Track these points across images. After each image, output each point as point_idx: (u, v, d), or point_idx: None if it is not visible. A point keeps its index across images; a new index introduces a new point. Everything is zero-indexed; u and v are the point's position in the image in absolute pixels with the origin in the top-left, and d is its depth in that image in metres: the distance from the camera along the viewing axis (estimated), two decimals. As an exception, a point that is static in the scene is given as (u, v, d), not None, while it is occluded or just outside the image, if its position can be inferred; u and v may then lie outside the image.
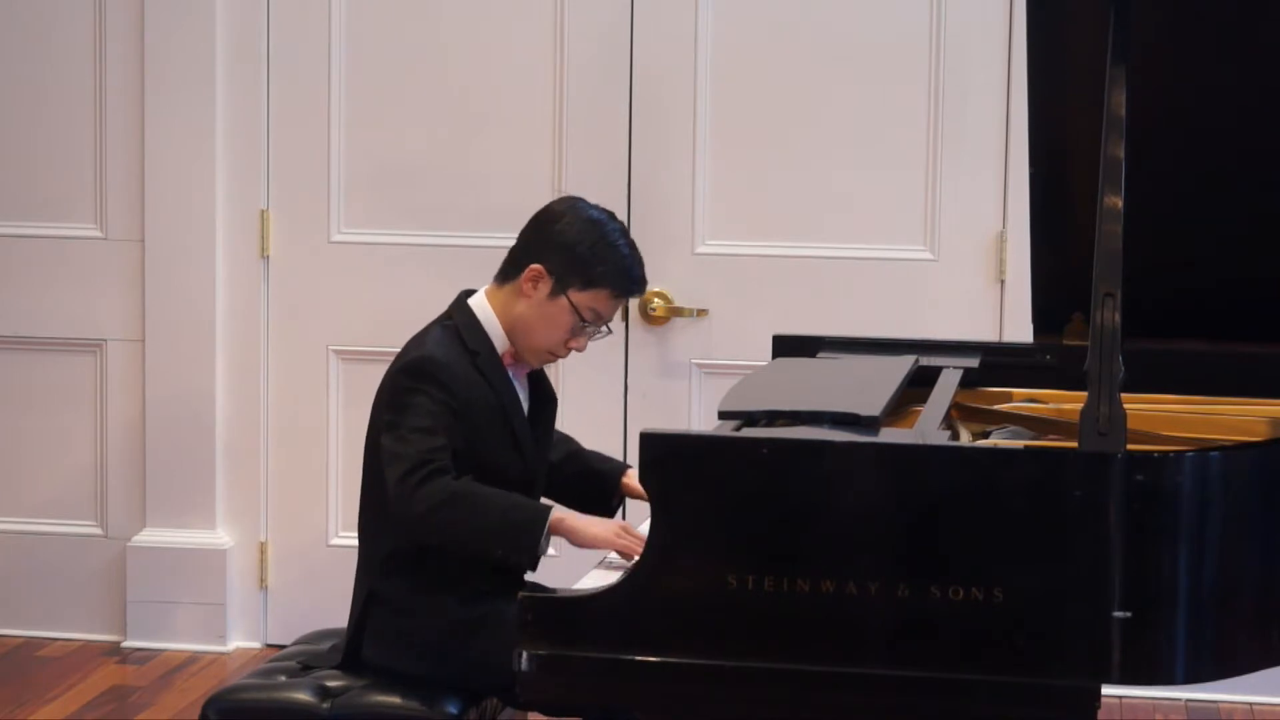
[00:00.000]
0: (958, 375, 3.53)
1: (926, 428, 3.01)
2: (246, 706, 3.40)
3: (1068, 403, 3.44)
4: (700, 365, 4.92)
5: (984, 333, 4.72)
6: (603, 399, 4.94)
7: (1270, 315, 3.47)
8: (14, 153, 5.16)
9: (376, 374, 3.51)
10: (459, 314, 3.47)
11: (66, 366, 5.19)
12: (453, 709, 3.33)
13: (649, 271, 4.82)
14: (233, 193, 5.07)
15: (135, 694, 4.78)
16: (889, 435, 2.94)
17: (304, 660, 3.52)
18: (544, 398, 3.57)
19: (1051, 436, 3.25)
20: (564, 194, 3.54)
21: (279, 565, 5.16)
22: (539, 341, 3.44)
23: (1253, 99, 3.31)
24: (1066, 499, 2.70)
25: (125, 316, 5.14)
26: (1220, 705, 4.76)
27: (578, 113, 4.91)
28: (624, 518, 3.71)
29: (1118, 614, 2.68)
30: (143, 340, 5.12)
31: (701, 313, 4.90)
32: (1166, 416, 3.37)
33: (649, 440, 2.80)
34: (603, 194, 4.76)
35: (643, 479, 2.81)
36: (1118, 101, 2.89)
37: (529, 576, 3.51)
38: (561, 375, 4.93)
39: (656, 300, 4.89)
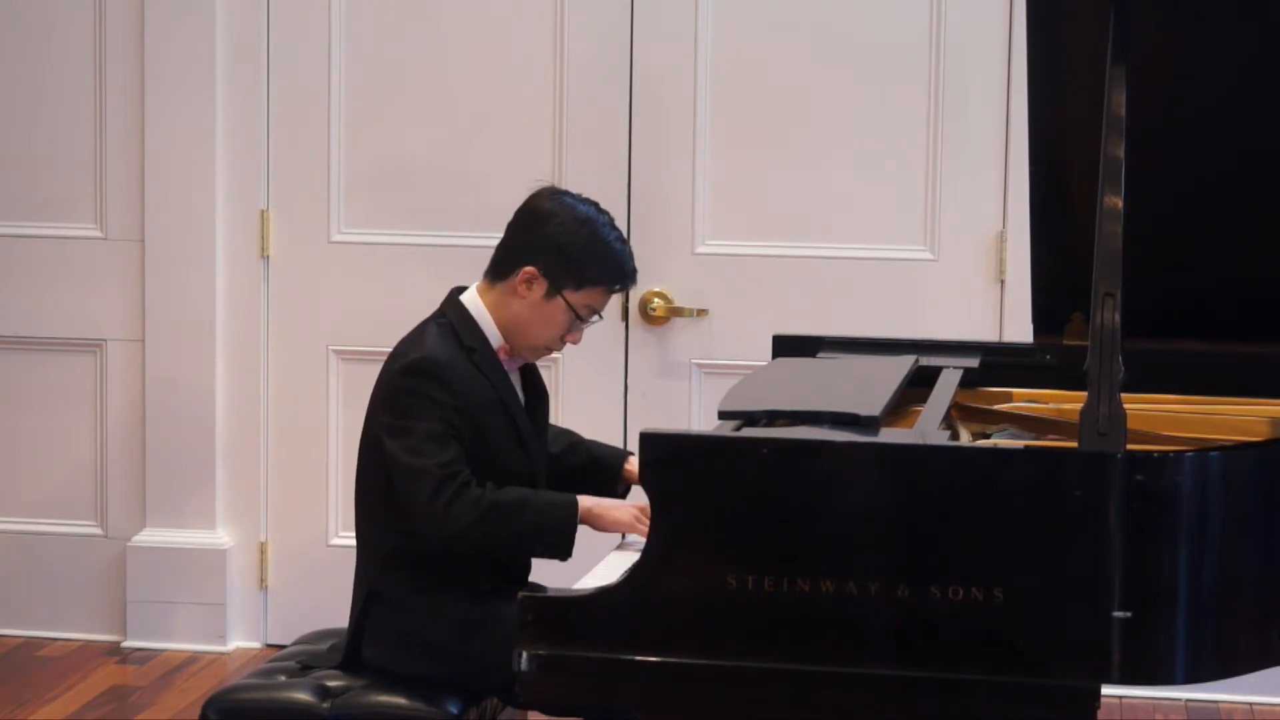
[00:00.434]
0: (958, 375, 3.53)
1: (926, 428, 3.01)
2: (246, 706, 3.40)
3: (1068, 403, 3.44)
4: (700, 365, 4.91)
5: (984, 333, 4.72)
6: (603, 399, 4.94)
7: (1270, 315, 3.47)
8: (14, 153, 5.16)
9: (376, 374, 3.51)
10: (452, 311, 3.47)
11: (66, 366, 5.19)
12: (453, 709, 3.33)
13: (650, 272, 4.87)
14: (233, 193, 5.07)
15: (135, 694, 4.78)
16: (889, 435, 2.94)
17: (304, 660, 3.52)
18: (538, 392, 3.58)
19: (1051, 436, 3.25)
20: (543, 184, 3.53)
21: (279, 565, 5.16)
22: (536, 340, 3.46)
23: (1253, 99, 3.31)
24: (1066, 499, 2.70)
25: (125, 316, 5.14)
26: (1220, 705, 4.76)
27: (578, 113, 4.91)
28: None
29: (1118, 614, 2.68)
30: (143, 340, 5.12)
31: (701, 313, 4.90)
32: (1166, 416, 3.37)
33: (649, 440, 2.80)
34: (603, 194, 4.74)
35: (643, 479, 2.81)
36: (1118, 101, 2.89)
37: (535, 575, 3.53)
38: (561, 375, 4.94)
39: (656, 300, 4.89)
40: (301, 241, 5.06)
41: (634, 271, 3.50)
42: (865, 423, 2.89)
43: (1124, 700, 4.73)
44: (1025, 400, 3.57)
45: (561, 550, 3.32)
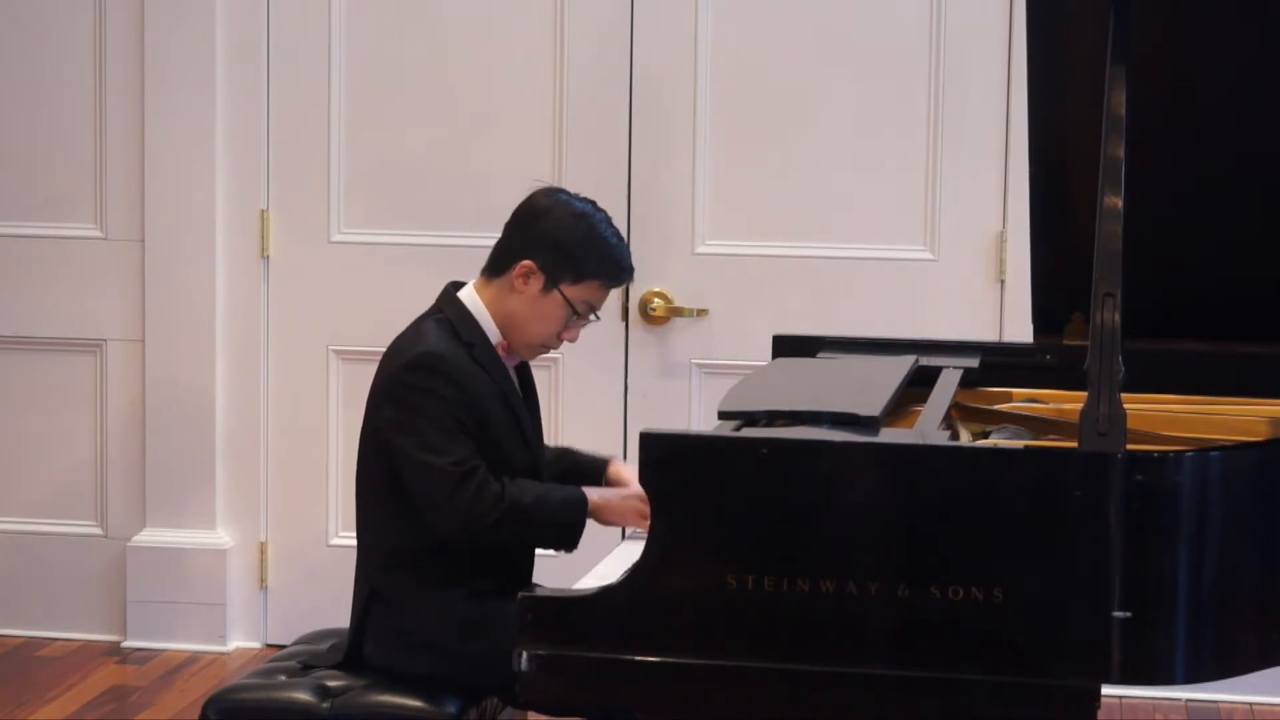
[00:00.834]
0: (958, 375, 3.53)
1: (926, 428, 3.01)
2: (246, 706, 3.40)
3: (1068, 403, 3.44)
4: (700, 365, 4.92)
5: (984, 333, 4.72)
6: (603, 399, 4.94)
7: (1270, 315, 3.47)
8: (14, 153, 5.16)
9: (376, 374, 3.51)
10: (449, 307, 3.48)
11: (66, 366, 5.19)
12: (453, 709, 3.33)
13: (650, 272, 4.87)
14: (233, 193, 5.07)
15: (135, 694, 4.78)
16: (889, 435, 2.94)
17: (304, 660, 3.52)
18: (530, 392, 3.59)
19: (1051, 436, 3.25)
20: (542, 185, 3.55)
21: (279, 565, 5.16)
22: (533, 336, 3.47)
23: (1253, 99, 3.31)
24: (1066, 499, 2.70)
25: (125, 316, 5.14)
26: (1220, 705, 4.76)
27: (578, 113, 4.91)
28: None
29: (1118, 614, 2.68)
30: (143, 340, 5.12)
31: (701, 313, 4.90)
32: (1166, 416, 3.37)
33: (649, 440, 2.80)
34: (603, 194, 4.74)
35: (643, 479, 2.81)
36: (1118, 101, 2.89)
37: (535, 574, 3.53)
38: (561, 375, 4.94)
39: (656, 300, 4.89)
40: (301, 241, 5.07)
41: (631, 268, 3.52)
42: (865, 423, 2.89)
43: (1124, 700, 4.73)
44: (1025, 400, 3.57)
45: (569, 544, 3.38)
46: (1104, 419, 2.69)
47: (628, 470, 3.59)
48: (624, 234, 4.86)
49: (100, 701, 4.73)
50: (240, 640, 5.16)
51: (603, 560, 3.37)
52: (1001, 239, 4.77)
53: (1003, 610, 2.70)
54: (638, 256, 4.87)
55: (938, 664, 2.73)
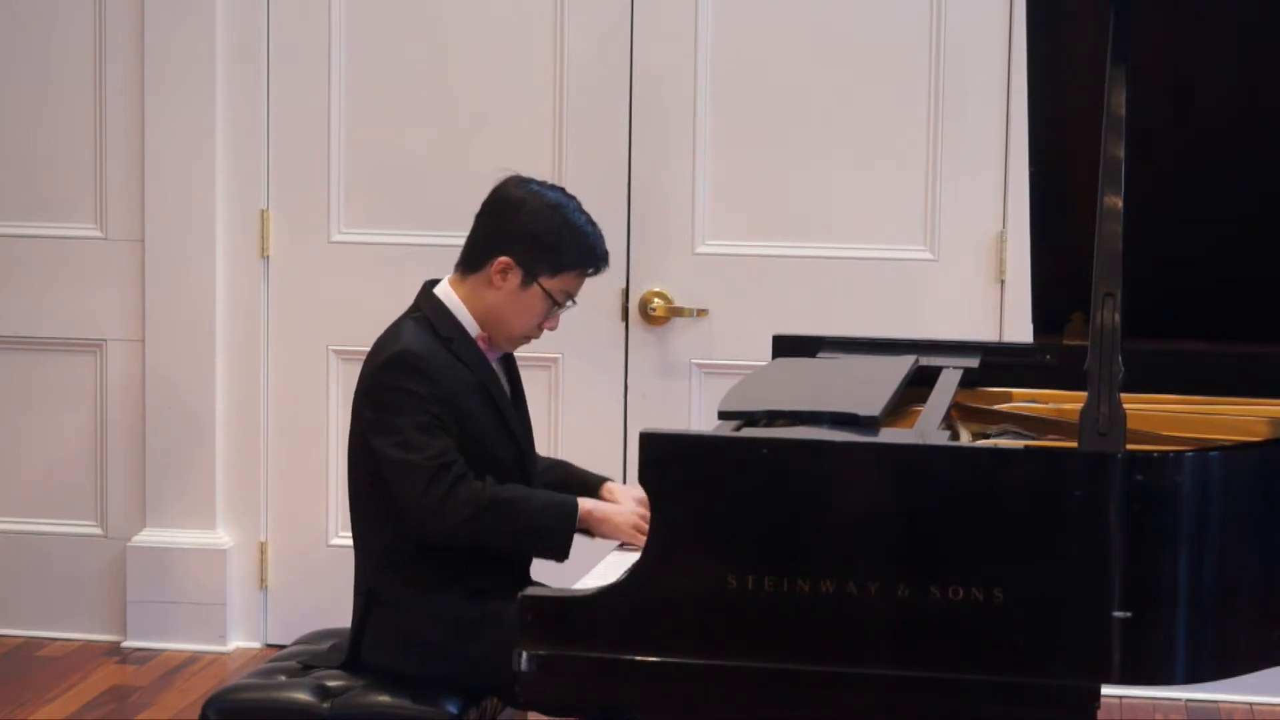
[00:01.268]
0: (958, 375, 3.53)
1: (926, 428, 3.01)
2: (246, 706, 3.40)
3: (1068, 403, 3.44)
4: (700, 365, 4.91)
5: (984, 333, 4.72)
6: (603, 399, 4.94)
7: (1270, 315, 3.47)
8: (14, 153, 5.16)
9: (375, 374, 3.51)
10: (426, 304, 3.49)
11: (66, 366, 5.19)
12: (453, 709, 3.33)
13: (650, 272, 4.87)
14: (233, 193, 5.07)
15: (135, 694, 4.78)
16: (889, 435, 2.93)
17: (304, 660, 3.52)
18: (517, 384, 3.59)
19: (1051, 436, 3.25)
20: (508, 174, 3.54)
21: (279, 565, 5.16)
22: (514, 329, 3.47)
23: (1253, 99, 3.31)
24: (1066, 499, 2.70)
25: (125, 316, 5.14)
26: (1220, 705, 4.76)
27: (578, 113, 4.91)
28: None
29: (1118, 614, 2.68)
30: (143, 340, 5.12)
31: (701, 313, 4.90)
32: (1166, 416, 3.37)
33: (649, 440, 2.80)
34: (603, 194, 4.77)
35: (643, 479, 2.81)
36: (1118, 101, 2.89)
37: (534, 575, 3.53)
38: (561, 375, 4.94)
39: (656, 300, 4.89)
40: (301, 241, 5.07)
41: (606, 254, 3.50)
42: (865, 423, 2.89)
43: (1124, 700, 4.73)
44: (1025, 400, 3.57)
45: (559, 551, 3.34)
46: (1104, 419, 2.69)
47: (623, 493, 3.56)
48: (624, 234, 4.90)
49: (100, 701, 4.73)
50: (240, 640, 5.16)
51: (601, 561, 3.37)
52: (1001, 239, 4.77)
53: (1003, 610, 2.70)
54: (638, 256, 4.92)
55: (938, 664, 2.73)
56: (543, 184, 3.51)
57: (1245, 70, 3.29)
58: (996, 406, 3.50)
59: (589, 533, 3.41)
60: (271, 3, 5.02)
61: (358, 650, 3.45)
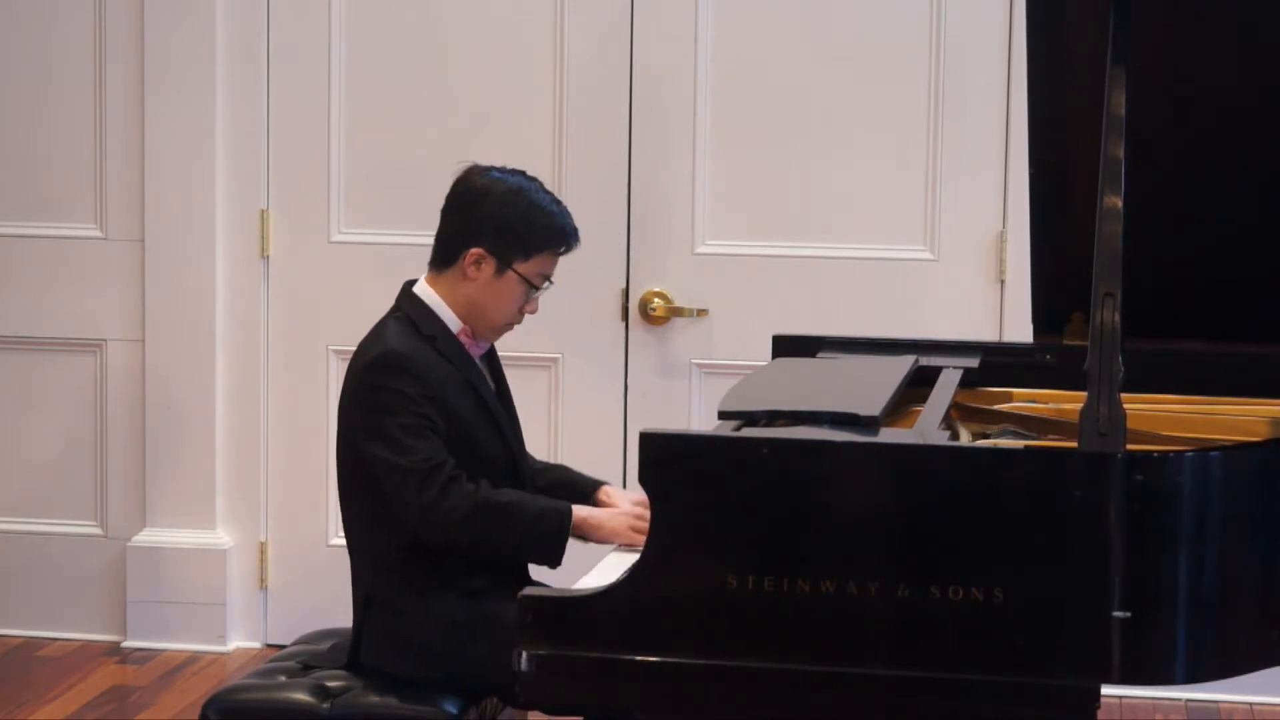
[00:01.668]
0: (958, 375, 3.53)
1: (926, 428, 3.01)
2: (246, 706, 3.40)
3: (1068, 403, 3.44)
4: (700, 365, 4.91)
5: (984, 333, 4.72)
6: (603, 399, 4.94)
7: (1270, 315, 3.47)
8: (14, 153, 5.16)
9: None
10: (407, 304, 3.50)
11: (66, 366, 5.19)
12: (452, 709, 3.33)
13: (650, 272, 4.87)
14: (233, 193, 5.07)
15: (135, 694, 4.78)
16: (889, 435, 2.93)
17: (304, 660, 3.52)
18: (501, 380, 3.59)
19: (1051, 436, 3.25)
20: (467, 164, 3.54)
21: (279, 565, 5.16)
22: (496, 318, 3.48)
23: (1253, 99, 3.31)
24: (1066, 499, 2.70)
25: (125, 316, 5.14)
26: (1220, 705, 4.75)
27: (578, 113, 4.91)
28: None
29: (1118, 614, 2.68)
30: (143, 340, 5.12)
31: (701, 313, 4.90)
32: (1166, 416, 3.37)
33: (649, 440, 2.80)
34: (603, 194, 4.78)
35: (643, 479, 2.81)
36: (1118, 101, 2.89)
37: (534, 575, 3.52)
38: (561, 375, 4.94)
39: (656, 300, 4.89)
40: (301, 241, 5.07)
41: (575, 230, 3.50)
42: (865, 423, 2.89)
43: (1124, 700, 4.73)
44: (1025, 400, 3.57)
45: (551, 558, 3.34)
46: (1104, 419, 2.69)
47: (620, 495, 3.56)
48: (624, 234, 4.90)
49: (100, 701, 4.73)
50: (240, 640, 5.16)
51: (601, 562, 3.37)
52: (1001, 239, 4.77)
53: (1003, 610, 2.70)
54: (638, 256, 4.91)
55: (938, 664, 2.73)
56: (503, 170, 3.52)
57: (1245, 70, 3.29)
58: (996, 406, 3.50)
59: (584, 538, 3.40)
60: (271, 3, 5.02)
61: (358, 651, 3.45)
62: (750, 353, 4.59)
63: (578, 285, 4.59)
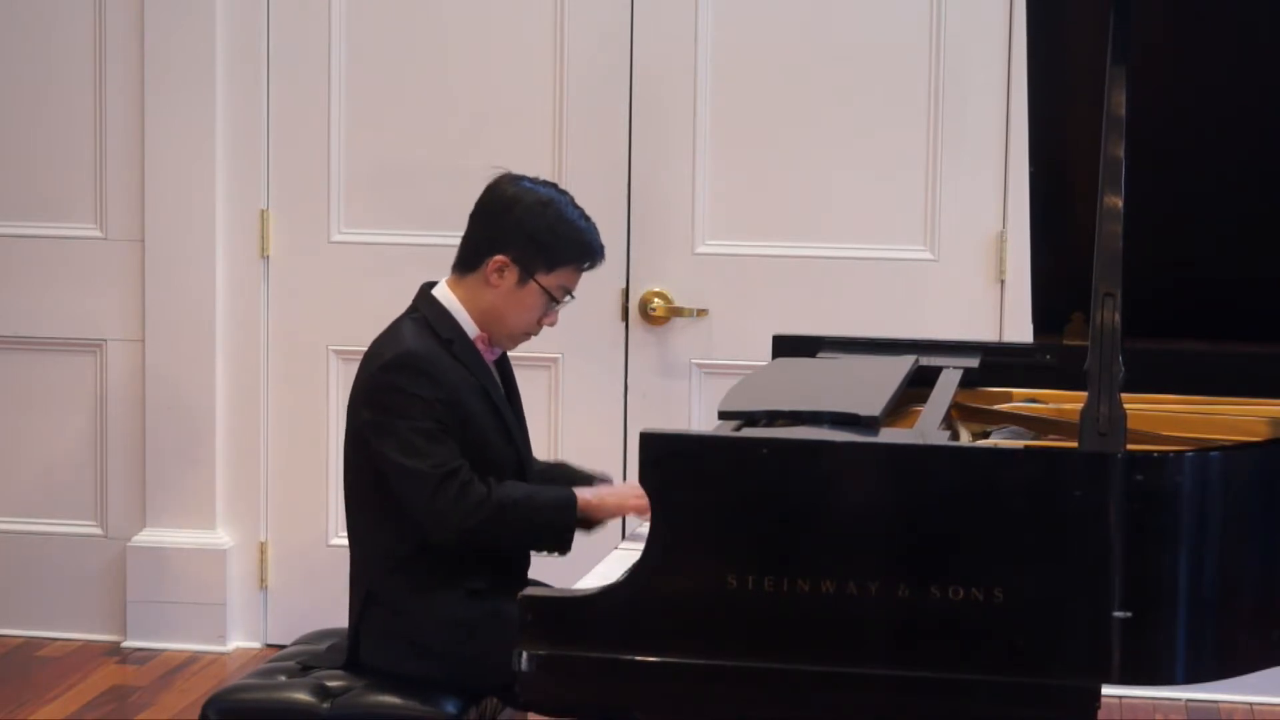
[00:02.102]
0: (958, 375, 3.53)
1: (926, 428, 3.01)
2: (246, 706, 3.40)
3: (1068, 403, 3.44)
4: (700, 365, 4.91)
5: (984, 333, 4.72)
6: (603, 399, 4.94)
7: (1270, 315, 3.47)
8: (14, 153, 5.16)
9: (376, 374, 3.51)
10: (425, 306, 3.49)
11: (66, 366, 5.19)
12: (452, 709, 3.33)
13: (650, 272, 4.87)
14: (233, 193, 5.07)
15: (135, 694, 4.78)
16: (889, 435, 2.93)
17: (304, 660, 3.52)
18: (511, 385, 3.59)
19: (1051, 436, 3.25)
20: (499, 171, 3.54)
21: (279, 565, 5.16)
22: (514, 327, 3.48)
23: (1253, 99, 3.31)
24: (1066, 499, 2.70)
25: (125, 316, 5.14)
26: (1220, 705, 4.76)
27: (578, 113, 4.91)
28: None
29: (1118, 614, 2.68)
30: (143, 340, 5.12)
31: (701, 313, 4.90)
32: (1166, 416, 3.37)
33: (649, 440, 2.80)
34: (603, 194, 4.77)
35: (643, 479, 2.81)
36: (1118, 101, 2.89)
37: (534, 575, 3.53)
38: (561, 375, 4.94)
39: (656, 300, 4.89)
40: (301, 241, 5.07)
41: (601, 248, 3.51)
42: (865, 423, 2.89)
43: (1124, 700, 4.73)
44: (1025, 400, 3.57)
45: (562, 546, 3.37)
46: (1104, 419, 2.69)
47: (618, 484, 3.58)
48: (624, 234, 4.90)
49: (100, 701, 4.73)
50: (240, 640, 5.16)
51: (601, 562, 3.37)
52: (1001, 239, 4.77)
53: (1003, 610, 2.70)
54: (638, 256, 4.91)
55: (938, 664, 2.73)
56: (535, 180, 3.51)
57: (1245, 70, 3.29)
58: (996, 406, 3.50)
59: (590, 523, 3.41)
60: (271, 3, 5.02)
61: (357, 650, 3.45)
62: (750, 353, 4.59)
63: (578, 285, 4.58)
